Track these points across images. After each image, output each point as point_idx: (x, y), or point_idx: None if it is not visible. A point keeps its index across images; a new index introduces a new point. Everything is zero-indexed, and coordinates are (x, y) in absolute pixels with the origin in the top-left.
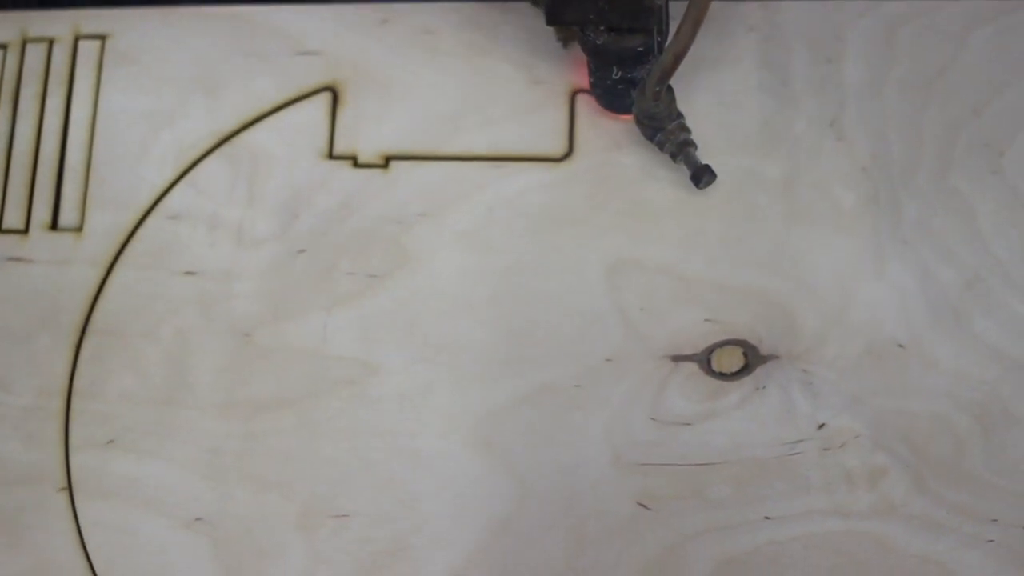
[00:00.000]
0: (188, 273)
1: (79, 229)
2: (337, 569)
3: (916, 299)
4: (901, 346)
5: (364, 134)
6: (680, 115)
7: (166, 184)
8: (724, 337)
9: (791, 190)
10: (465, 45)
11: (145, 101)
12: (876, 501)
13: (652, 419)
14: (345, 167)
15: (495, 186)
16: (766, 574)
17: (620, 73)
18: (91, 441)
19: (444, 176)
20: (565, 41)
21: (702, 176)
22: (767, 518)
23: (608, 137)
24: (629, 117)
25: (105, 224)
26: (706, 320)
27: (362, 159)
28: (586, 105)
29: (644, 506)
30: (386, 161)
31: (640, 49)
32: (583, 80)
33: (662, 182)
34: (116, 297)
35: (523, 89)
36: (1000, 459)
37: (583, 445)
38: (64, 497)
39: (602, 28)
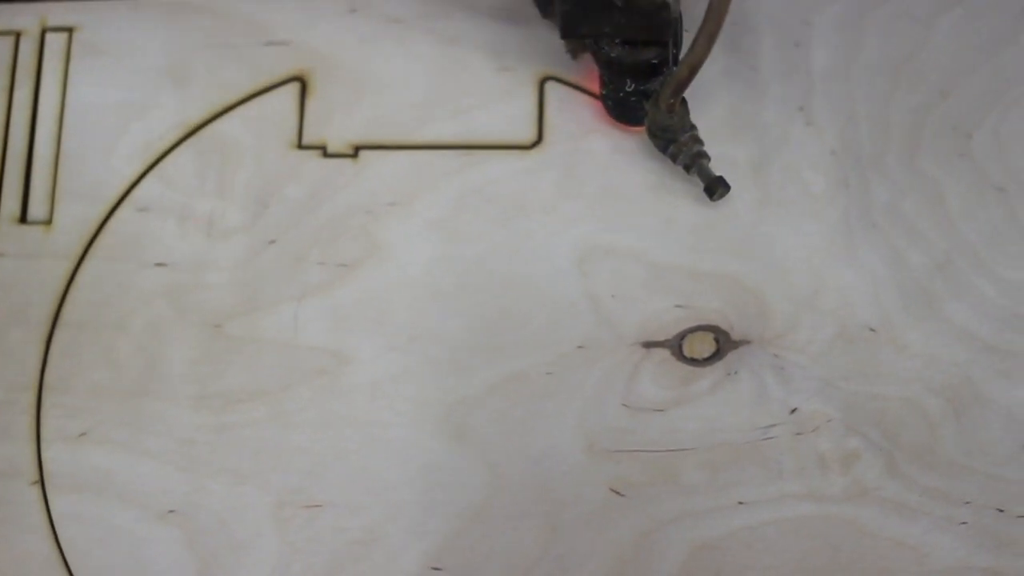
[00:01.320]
0: (159, 265)
1: (48, 222)
2: (311, 559)
3: (886, 283)
4: (872, 330)
5: (333, 124)
6: (693, 127)
7: (135, 176)
8: (695, 323)
9: (761, 175)
10: (433, 34)
11: (113, 93)
12: (849, 485)
13: (624, 406)
14: (314, 157)
15: (465, 174)
16: (740, 559)
17: (633, 85)
18: (63, 434)
19: (414, 165)
20: (575, 52)
21: (716, 188)
22: (740, 503)
23: (577, 124)
24: (641, 129)
25: (75, 217)
26: (677, 306)
27: (331, 149)
28: (555, 92)
29: (617, 492)
30: (355, 151)
31: (654, 61)
32: (558, 70)
33: (632, 169)
34: (86, 290)
35: (492, 77)
36: (972, 441)
37: (556, 432)
38: (36, 490)
39: (617, 41)
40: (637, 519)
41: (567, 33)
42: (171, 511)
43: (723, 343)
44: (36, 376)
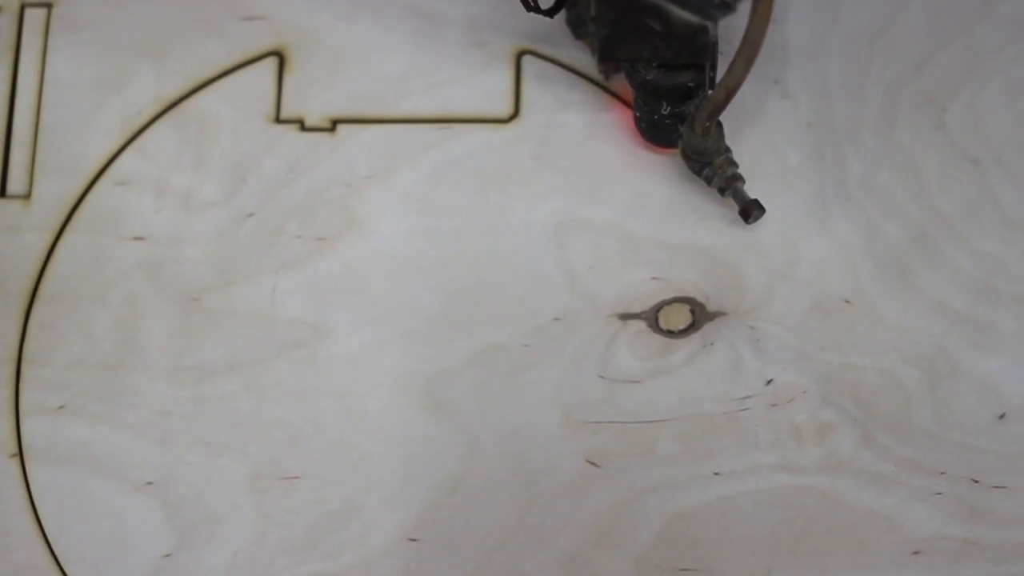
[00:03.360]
0: (136, 239)
1: (27, 196)
2: (288, 531)
3: (862, 254)
4: (847, 301)
5: (311, 98)
6: (728, 149)
7: (114, 150)
8: (671, 295)
9: (736, 148)
10: (410, 8)
11: (92, 68)
12: (824, 456)
13: (601, 377)
14: (292, 131)
15: (442, 148)
16: (716, 529)
17: (669, 108)
18: (42, 407)
19: (391, 139)
20: (608, 73)
21: (751, 212)
22: (716, 474)
23: (554, 98)
24: (675, 151)
25: (53, 191)
26: (653, 278)
27: (309, 123)
28: (532, 66)
29: (594, 464)
30: (333, 124)
31: (690, 84)
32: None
33: (608, 142)
34: (65, 263)
35: (469, 51)
36: (947, 412)
37: (532, 404)
38: (15, 463)
39: (653, 64)
40: (613, 490)
41: (605, 57)
42: (149, 483)
43: (699, 315)
44: (15, 349)
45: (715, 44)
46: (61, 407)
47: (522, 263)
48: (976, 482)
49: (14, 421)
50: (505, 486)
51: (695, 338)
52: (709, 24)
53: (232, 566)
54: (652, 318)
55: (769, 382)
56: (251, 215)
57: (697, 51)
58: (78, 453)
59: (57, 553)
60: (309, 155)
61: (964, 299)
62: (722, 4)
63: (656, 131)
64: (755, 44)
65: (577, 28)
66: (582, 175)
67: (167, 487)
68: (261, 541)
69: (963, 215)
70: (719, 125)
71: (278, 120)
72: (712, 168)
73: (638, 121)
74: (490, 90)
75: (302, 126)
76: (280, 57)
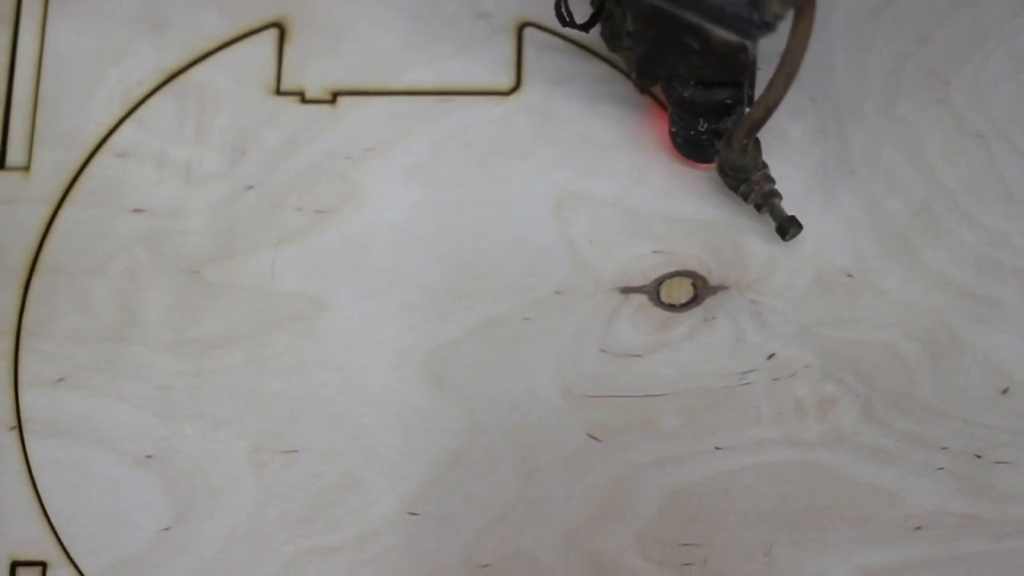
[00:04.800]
0: (136, 211)
1: (27, 168)
2: (288, 504)
3: (864, 229)
4: (850, 276)
5: (311, 70)
6: (765, 165)
7: (113, 122)
8: (673, 268)
9: None
10: None
11: (92, 39)
12: (826, 430)
13: (602, 351)
14: (293, 103)
15: (443, 121)
16: (716, 504)
17: (706, 124)
18: (41, 380)
19: (392, 111)
20: (644, 88)
21: (788, 228)
22: (717, 448)
23: (555, 70)
24: (711, 166)
25: (53, 162)
26: (655, 252)
27: (310, 95)
28: (534, 38)
29: (594, 438)
30: (333, 97)
31: (728, 101)
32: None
33: (610, 115)
34: (64, 236)
35: (470, 23)
36: (949, 387)
37: (533, 378)
38: (14, 436)
39: (691, 81)
40: (614, 464)
41: (643, 74)
42: (148, 456)
43: (701, 288)
44: (14, 322)
45: (754, 63)
46: (60, 380)
47: (523, 236)
48: (978, 457)
49: (13, 394)
50: (505, 460)
51: (697, 312)
52: (748, 43)
53: (231, 539)
54: (654, 292)
55: (771, 356)
56: (251, 187)
57: (736, 70)
58: (77, 426)
59: (56, 526)
60: (309, 127)
61: (967, 273)
62: (762, 24)
63: (692, 146)
64: (795, 62)
65: (612, 41)
66: (584, 148)
67: (167, 460)
68: (261, 514)
69: (966, 189)
70: (756, 141)
71: (278, 92)
72: (749, 184)
73: (674, 136)
74: (491, 62)
75: (302, 98)
76: (280, 29)
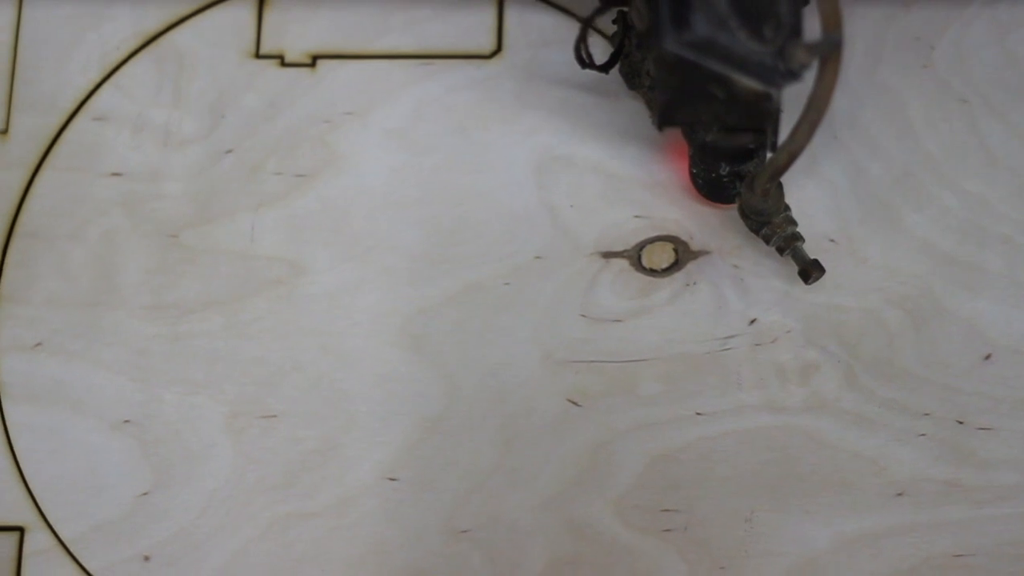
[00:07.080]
0: (114, 175)
1: (4, 132)
2: (266, 469)
3: (846, 194)
4: (832, 241)
5: (291, 33)
6: (787, 207)
7: (91, 86)
8: (654, 233)
9: None
10: None
11: (69, 3)
12: (808, 396)
13: (582, 316)
14: (272, 66)
15: (423, 84)
16: (698, 470)
17: (728, 168)
18: (18, 344)
19: (371, 74)
20: (662, 126)
21: (811, 273)
22: (698, 414)
23: (537, 34)
24: (732, 207)
25: (30, 127)
26: (636, 216)
27: (289, 58)
28: (515, 1)
29: (575, 403)
30: (313, 60)
31: (751, 146)
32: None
33: (591, 80)
34: (42, 200)
35: None
36: (931, 353)
37: (513, 343)
38: None
39: (713, 126)
40: (594, 430)
41: (665, 121)
42: (126, 421)
43: (682, 253)
44: None
45: (778, 109)
46: (38, 345)
47: (503, 201)
48: (960, 423)
49: None
50: (485, 425)
51: (678, 277)
52: (773, 91)
53: (209, 505)
54: (635, 257)
55: (753, 322)
56: (230, 151)
57: (760, 117)
58: (55, 391)
59: (33, 491)
60: (289, 91)
61: (950, 239)
62: (788, 72)
63: (713, 188)
64: (820, 111)
65: (631, 79)
66: (565, 113)
67: (144, 425)
68: (239, 480)
69: (949, 154)
70: (779, 185)
71: (258, 55)
72: (771, 227)
73: (694, 177)
74: (472, 25)
75: (282, 61)
76: None
